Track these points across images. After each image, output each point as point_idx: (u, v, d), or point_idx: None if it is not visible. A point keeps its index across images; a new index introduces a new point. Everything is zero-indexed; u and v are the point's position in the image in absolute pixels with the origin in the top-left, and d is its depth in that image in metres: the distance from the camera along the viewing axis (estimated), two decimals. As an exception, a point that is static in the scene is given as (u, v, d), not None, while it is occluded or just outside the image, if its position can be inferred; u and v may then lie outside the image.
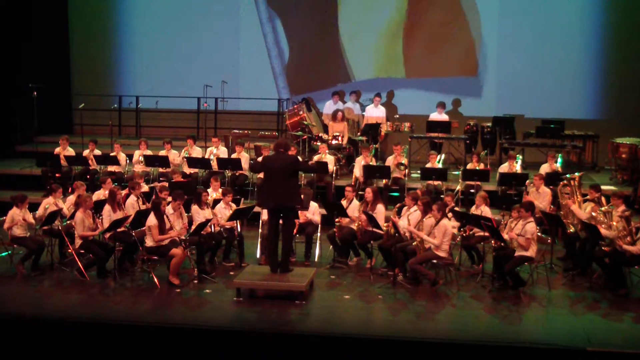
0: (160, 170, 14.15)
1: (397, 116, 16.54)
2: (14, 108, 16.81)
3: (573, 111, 16.82)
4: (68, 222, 10.97)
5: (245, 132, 16.21)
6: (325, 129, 16.00)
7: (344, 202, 11.38)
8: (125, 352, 8.63)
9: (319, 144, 14.75)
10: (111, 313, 9.14)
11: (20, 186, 13.86)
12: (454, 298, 9.84)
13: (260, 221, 11.49)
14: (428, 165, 13.79)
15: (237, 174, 14.00)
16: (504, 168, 13.62)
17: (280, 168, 9.85)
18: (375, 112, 16.16)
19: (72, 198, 11.40)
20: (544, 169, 13.41)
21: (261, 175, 13.55)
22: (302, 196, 10.63)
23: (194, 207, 11.06)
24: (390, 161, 14.00)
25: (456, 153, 16.01)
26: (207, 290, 10.03)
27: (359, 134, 16.02)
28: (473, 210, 11.21)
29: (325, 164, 13.64)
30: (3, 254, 11.09)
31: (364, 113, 16.42)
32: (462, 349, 8.31)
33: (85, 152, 14.38)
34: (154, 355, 8.65)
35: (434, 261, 10.33)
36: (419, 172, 13.65)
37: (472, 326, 8.87)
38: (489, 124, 16.01)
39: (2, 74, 17.02)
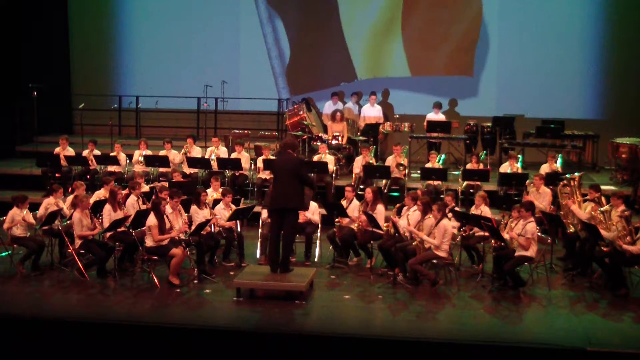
0: (160, 170, 14.16)
1: (397, 116, 16.53)
2: (14, 108, 16.79)
3: (573, 111, 16.80)
4: (68, 222, 10.96)
5: (245, 132, 16.21)
6: (325, 129, 16.00)
7: (344, 202, 11.37)
8: (125, 352, 8.63)
9: (319, 144, 14.75)
10: (111, 313, 9.14)
11: (20, 186, 13.89)
12: (454, 298, 9.84)
13: (260, 221, 11.50)
14: (428, 165, 13.80)
15: (237, 174, 14.00)
16: (504, 168, 13.63)
17: (287, 170, 9.85)
18: (372, 112, 16.16)
19: (71, 198, 11.40)
20: (544, 169, 13.41)
21: (261, 175, 13.64)
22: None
23: (193, 207, 11.05)
24: (390, 161, 14.00)
25: (456, 153, 16.01)
26: (207, 290, 10.03)
27: (358, 134, 16.02)
28: (472, 210, 11.21)
29: (325, 164, 13.64)
30: (3, 254, 11.08)
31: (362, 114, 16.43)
32: (462, 349, 8.31)
33: (85, 152, 14.37)
34: (154, 355, 8.65)
35: (434, 261, 10.34)
36: (419, 172, 13.66)
37: (472, 326, 8.88)
38: (489, 124, 16.01)
39: (2, 74, 17.00)
